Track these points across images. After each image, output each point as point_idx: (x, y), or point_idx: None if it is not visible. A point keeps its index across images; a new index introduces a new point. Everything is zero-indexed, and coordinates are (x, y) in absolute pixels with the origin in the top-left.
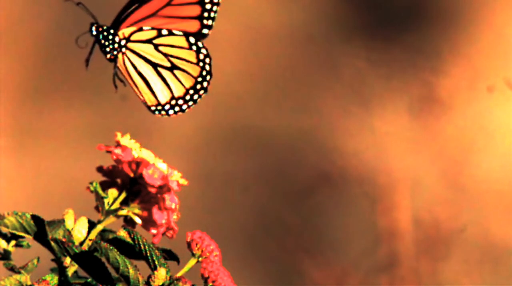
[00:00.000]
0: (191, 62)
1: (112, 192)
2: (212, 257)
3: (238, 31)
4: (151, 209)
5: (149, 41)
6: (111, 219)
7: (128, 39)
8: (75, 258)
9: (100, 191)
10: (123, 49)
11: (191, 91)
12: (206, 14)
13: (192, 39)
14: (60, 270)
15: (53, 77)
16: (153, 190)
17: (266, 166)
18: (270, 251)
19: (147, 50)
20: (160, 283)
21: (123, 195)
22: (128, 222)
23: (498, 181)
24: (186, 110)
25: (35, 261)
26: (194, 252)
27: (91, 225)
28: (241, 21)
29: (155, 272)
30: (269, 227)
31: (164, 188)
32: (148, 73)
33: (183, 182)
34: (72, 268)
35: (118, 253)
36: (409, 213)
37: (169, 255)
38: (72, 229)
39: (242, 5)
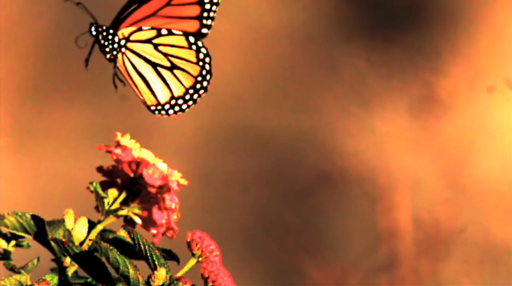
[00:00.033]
0: (191, 62)
1: (112, 192)
2: (212, 257)
3: (238, 31)
4: (151, 209)
5: (148, 41)
6: (111, 219)
7: (127, 39)
8: (75, 258)
9: (100, 191)
10: (123, 49)
11: (191, 91)
12: (205, 14)
13: (191, 39)
14: (60, 270)
15: (53, 77)
16: (153, 190)
17: (266, 166)
18: (270, 251)
19: (147, 50)
20: (160, 283)
21: (123, 195)
22: (128, 222)
23: (498, 181)
24: (186, 110)
25: (35, 261)
26: (194, 252)
27: (91, 225)
28: (241, 21)
29: (155, 272)
30: (269, 227)
31: (164, 188)
32: (147, 73)
33: (183, 182)
34: (72, 268)
35: (118, 253)
36: (409, 213)
37: (169, 255)
38: (72, 229)
39: (242, 5)
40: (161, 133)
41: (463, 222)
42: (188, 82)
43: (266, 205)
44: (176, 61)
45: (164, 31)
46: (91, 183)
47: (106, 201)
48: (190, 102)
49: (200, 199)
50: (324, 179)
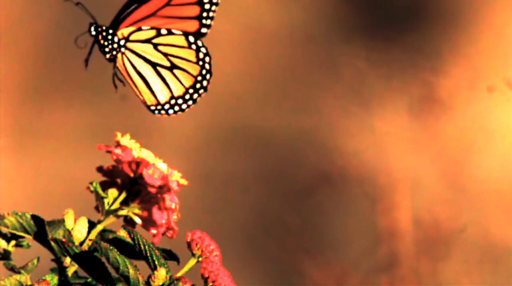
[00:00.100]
0: (191, 61)
1: (112, 192)
2: (212, 257)
3: (238, 31)
4: (151, 209)
5: (148, 40)
6: (111, 219)
7: (127, 39)
8: (75, 258)
9: (100, 191)
10: (122, 49)
11: (191, 91)
12: (205, 14)
13: (191, 38)
14: (60, 270)
15: (53, 77)
16: (153, 190)
17: (266, 166)
18: (270, 251)
19: (147, 49)
20: (160, 283)
21: (123, 195)
22: (128, 222)
23: (498, 181)
24: (186, 110)
25: (35, 261)
26: (194, 252)
27: (91, 225)
28: (241, 21)
29: (155, 272)
30: (269, 227)
31: (164, 188)
32: (147, 72)
33: (183, 182)
34: (72, 268)
35: (118, 253)
36: (409, 213)
37: (169, 255)
38: (72, 229)
39: (242, 5)
40: (161, 133)
41: (463, 222)
42: (188, 82)
43: (266, 205)
44: (176, 61)
45: (163, 31)
46: (91, 183)
47: (106, 201)
48: (190, 102)
49: (200, 199)
50: (324, 179)
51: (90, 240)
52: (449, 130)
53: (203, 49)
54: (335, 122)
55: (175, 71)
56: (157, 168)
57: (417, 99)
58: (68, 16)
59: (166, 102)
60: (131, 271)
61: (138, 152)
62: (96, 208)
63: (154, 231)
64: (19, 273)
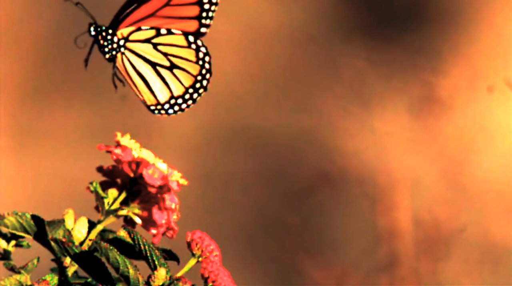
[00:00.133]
0: (191, 61)
1: (112, 192)
2: (212, 257)
3: (238, 31)
4: (151, 209)
5: (148, 40)
6: (111, 219)
7: (126, 39)
8: (75, 258)
9: (100, 191)
10: (122, 49)
11: (191, 90)
12: (204, 14)
13: (191, 38)
14: (60, 270)
15: (53, 77)
16: (153, 190)
17: (266, 166)
18: (270, 251)
19: (146, 49)
20: (160, 283)
21: (123, 195)
22: (128, 222)
23: (498, 181)
24: (186, 110)
25: (35, 261)
26: (194, 252)
27: (91, 225)
28: (241, 21)
29: (155, 272)
30: (269, 227)
31: (164, 188)
32: (147, 72)
33: (183, 182)
34: (72, 268)
35: (118, 253)
36: (409, 213)
37: (169, 255)
38: (72, 229)
39: (242, 5)
40: (161, 133)
41: (463, 222)
42: (187, 81)
43: (266, 205)
44: (175, 60)
45: (163, 31)
46: (91, 183)
47: (106, 201)
48: (190, 102)
49: (200, 199)
50: (324, 179)
51: (90, 240)
52: (449, 130)
53: (203, 49)
54: (335, 122)
55: (175, 71)
56: (157, 168)
57: (417, 99)
58: (68, 16)
59: (166, 102)
60: (131, 271)
61: (138, 152)
62: (96, 208)
63: (154, 231)
64: (19, 273)
